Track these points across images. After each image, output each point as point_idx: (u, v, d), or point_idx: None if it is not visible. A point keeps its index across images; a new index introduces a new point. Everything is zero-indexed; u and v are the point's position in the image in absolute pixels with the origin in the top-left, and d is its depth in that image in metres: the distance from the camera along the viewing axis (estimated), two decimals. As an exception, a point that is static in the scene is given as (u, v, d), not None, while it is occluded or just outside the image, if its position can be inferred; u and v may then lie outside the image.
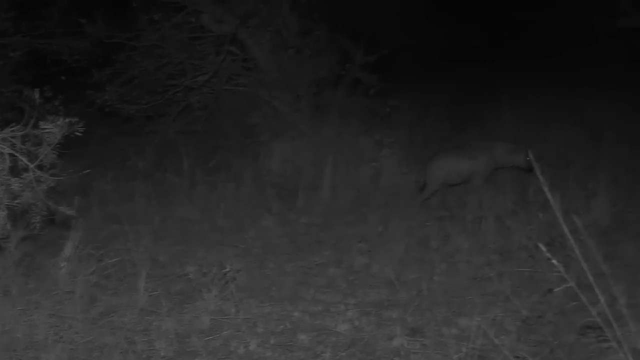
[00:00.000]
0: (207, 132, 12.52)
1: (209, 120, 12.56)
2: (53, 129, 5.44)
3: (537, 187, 8.67)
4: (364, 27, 12.67)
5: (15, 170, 5.50)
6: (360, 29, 12.66)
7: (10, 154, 5.42)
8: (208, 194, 10.10)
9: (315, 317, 6.43)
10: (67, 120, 5.54)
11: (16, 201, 5.48)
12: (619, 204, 9.34)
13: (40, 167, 5.52)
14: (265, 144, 11.65)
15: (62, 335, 5.98)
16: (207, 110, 12.45)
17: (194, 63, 11.91)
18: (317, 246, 8.41)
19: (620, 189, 9.89)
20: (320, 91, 12.38)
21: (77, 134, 5.67)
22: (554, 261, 4.06)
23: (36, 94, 6.25)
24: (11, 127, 5.44)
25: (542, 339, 5.74)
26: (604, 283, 4.11)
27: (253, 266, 7.70)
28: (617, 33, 13.27)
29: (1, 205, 5.45)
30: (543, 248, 4.17)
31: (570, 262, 4.66)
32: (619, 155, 11.08)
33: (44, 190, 5.58)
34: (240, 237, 8.70)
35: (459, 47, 24.29)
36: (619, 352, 4.22)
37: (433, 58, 22.39)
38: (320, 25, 12.17)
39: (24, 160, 5.45)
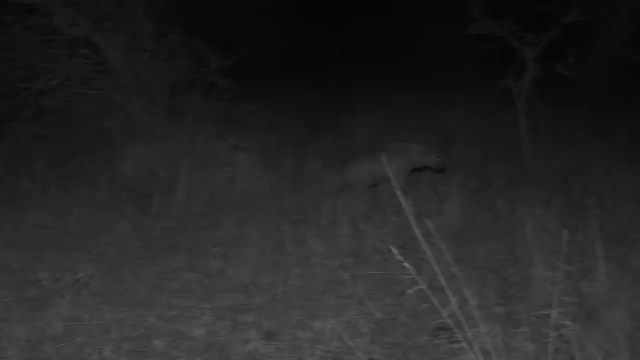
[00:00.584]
0: (60, 136, 12.23)
1: (63, 124, 12.28)
2: None
3: (390, 190, 8.80)
4: (219, 31, 12.63)
5: None
6: (216, 33, 12.62)
7: None
8: (61, 198, 9.85)
9: (170, 322, 6.34)
10: None
11: None
12: (469, 207, 9.53)
13: None
14: (120, 148, 11.44)
15: None
16: (61, 114, 12.17)
17: (46, 66, 11.61)
18: (172, 251, 8.30)
19: (471, 192, 10.11)
20: (175, 95, 12.29)
21: None
22: (406, 264, 4.10)
23: None
24: None
25: (395, 341, 5.80)
26: (455, 285, 4.18)
27: (107, 271, 7.53)
28: (468, 39, 13.54)
29: None
30: (395, 251, 4.20)
31: (423, 264, 4.72)
32: (469, 159, 11.31)
33: None
34: (94, 242, 8.49)
35: (314, 52, 24.43)
36: (469, 353, 4.28)
37: (289, 62, 22.49)
38: (175, 29, 12.08)
39: None
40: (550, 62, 13.34)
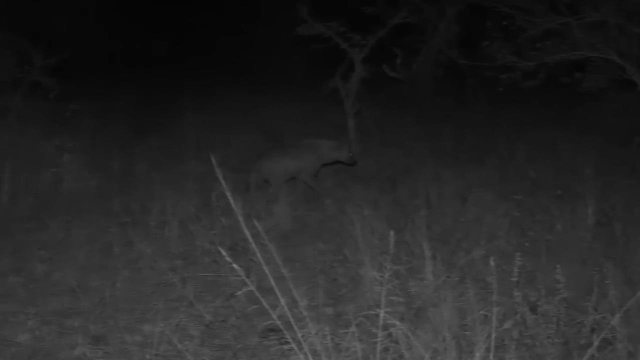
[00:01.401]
0: None
1: None
2: None
3: (220, 192, 8.75)
4: (44, 29, 12.39)
5: None
6: (40, 32, 12.38)
7: None
8: None
9: (-7, 328, 6.19)
10: None
11: None
12: (299, 208, 9.62)
13: None
14: (-60, 149, 11.10)
15: None
16: None
17: None
18: (-5, 254, 8.09)
19: (300, 193, 10.19)
20: (-2, 94, 12.01)
21: None
22: (236, 265, 4.10)
23: None
24: None
25: (225, 343, 5.79)
26: (284, 286, 4.20)
27: None
28: (297, 40, 13.65)
29: None
30: (225, 253, 4.20)
31: (253, 265, 4.74)
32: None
33: None
34: None
35: (141, 53, 24.27)
36: (299, 354, 4.31)
37: (116, 63, 22.29)
38: (-2, 27, 11.80)
39: None
40: (378, 64, 13.60)
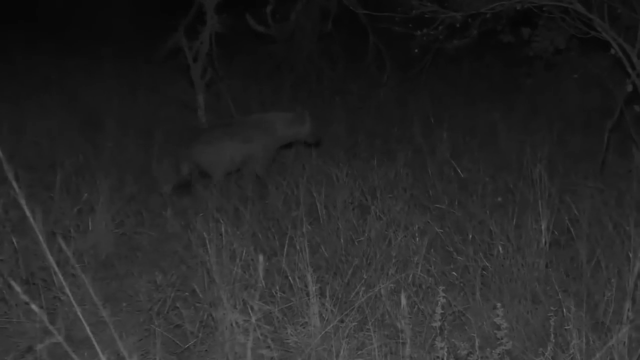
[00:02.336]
0: None
1: None
2: None
3: (10, 198, 8.60)
4: None
5: None
6: None
7: None
8: None
9: None
10: None
11: None
12: (126, 222, 9.47)
13: None
14: None
15: None
16: None
17: None
18: None
19: (127, 201, 10.03)
20: None
21: None
22: (34, 306, 4.06)
23: None
24: None
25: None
26: (105, 335, 4.21)
27: None
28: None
29: None
30: (18, 288, 4.16)
31: (60, 306, 4.69)
32: (124, 151, 11.28)
33: None
34: None
35: None
36: None
37: None
38: None
39: None
40: (240, 14, 13.55)
